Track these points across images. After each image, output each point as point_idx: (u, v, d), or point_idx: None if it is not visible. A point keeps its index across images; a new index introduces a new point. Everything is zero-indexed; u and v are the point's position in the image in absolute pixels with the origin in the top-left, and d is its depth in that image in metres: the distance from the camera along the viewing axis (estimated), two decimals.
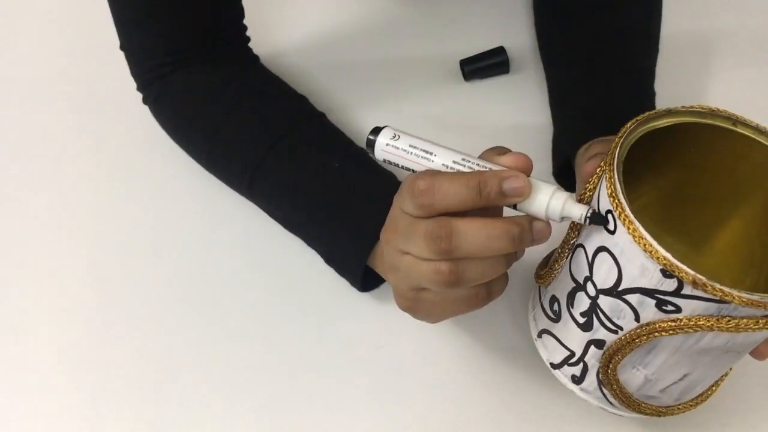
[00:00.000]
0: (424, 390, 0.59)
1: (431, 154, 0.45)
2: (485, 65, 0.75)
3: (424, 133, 0.71)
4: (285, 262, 0.65)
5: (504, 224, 0.41)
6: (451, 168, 0.44)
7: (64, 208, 0.69)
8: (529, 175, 0.43)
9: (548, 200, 0.41)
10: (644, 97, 0.64)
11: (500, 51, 0.75)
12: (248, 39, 0.69)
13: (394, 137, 0.46)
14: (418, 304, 0.48)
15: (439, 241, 0.41)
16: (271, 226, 0.65)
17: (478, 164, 0.43)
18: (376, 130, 0.46)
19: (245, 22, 0.68)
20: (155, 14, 0.62)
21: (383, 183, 0.60)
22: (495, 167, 0.43)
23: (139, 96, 0.67)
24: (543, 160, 0.67)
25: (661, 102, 0.63)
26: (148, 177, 0.70)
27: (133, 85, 0.67)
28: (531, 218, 0.42)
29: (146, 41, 0.64)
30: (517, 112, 0.73)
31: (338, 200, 0.59)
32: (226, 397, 0.59)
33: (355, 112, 0.73)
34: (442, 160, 0.44)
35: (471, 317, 0.59)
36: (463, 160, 0.44)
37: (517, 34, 0.78)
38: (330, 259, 0.62)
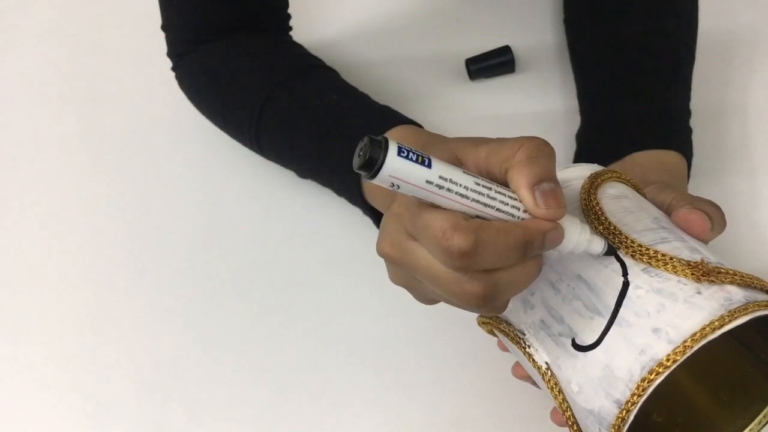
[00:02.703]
0: (426, 389, 0.59)
1: (455, 184, 0.35)
2: (491, 64, 0.74)
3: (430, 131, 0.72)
4: (286, 261, 0.65)
5: (522, 233, 0.37)
6: (472, 199, 0.36)
7: (64, 208, 0.69)
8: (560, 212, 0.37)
9: (577, 238, 0.38)
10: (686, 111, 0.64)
11: (506, 50, 0.74)
12: (289, 28, 0.70)
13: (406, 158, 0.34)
14: (415, 291, 0.42)
15: (458, 255, 0.35)
16: (272, 226, 0.65)
17: (495, 193, 0.36)
18: (377, 145, 0.33)
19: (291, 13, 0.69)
20: None
21: (379, 113, 0.60)
22: (509, 193, 0.36)
23: (140, 96, 0.68)
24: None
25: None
26: (148, 177, 0.70)
27: (135, 85, 0.67)
28: (545, 229, 0.37)
29: (190, 18, 0.65)
30: (523, 111, 0.73)
31: (335, 131, 0.58)
32: (226, 396, 0.59)
33: None
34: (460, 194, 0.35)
35: (473, 315, 0.59)
36: (481, 187, 0.36)
37: (523, 34, 0.77)
38: (339, 193, 0.62)
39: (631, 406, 0.37)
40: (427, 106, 0.73)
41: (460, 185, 0.35)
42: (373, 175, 0.33)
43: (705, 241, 0.44)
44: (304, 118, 0.61)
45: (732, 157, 0.69)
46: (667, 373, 0.36)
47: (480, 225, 0.35)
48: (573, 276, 0.41)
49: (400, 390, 0.59)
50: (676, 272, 0.39)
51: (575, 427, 0.42)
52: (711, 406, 0.47)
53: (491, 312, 0.39)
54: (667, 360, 0.37)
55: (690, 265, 0.39)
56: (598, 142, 0.63)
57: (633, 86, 0.64)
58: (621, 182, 0.47)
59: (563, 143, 0.70)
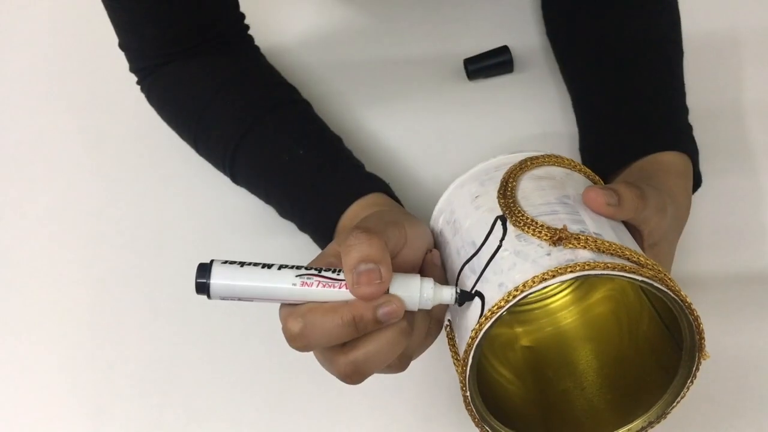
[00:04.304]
0: (427, 389, 0.58)
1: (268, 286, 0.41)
2: (489, 64, 0.74)
3: (429, 132, 0.72)
4: (286, 261, 0.64)
5: (341, 312, 0.40)
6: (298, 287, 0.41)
7: (65, 208, 0.69)
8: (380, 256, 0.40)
9: (419, 295, 0.42)
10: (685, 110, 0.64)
11: (504, 50, 0.74)
12: (247, 27, 0.69)
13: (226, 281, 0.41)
14: None
15: (292, 338, 0.40)
16: (272, 225, 0.65)
17: (323, 279, 0.41)
18: (204, 270, 0.41)
19: (245, 14, 0.68)
20: (150, 15, 0.62)
21: (344, 175, 0.60)
22: (342, 281, 0.41)
23: (139, 94, 0.68)
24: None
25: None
26: (148, 176, 0.70)
27: (133, 83, 0.67)
28: (375, 305, 0.40)
29: (143, 41, 0.64)
30: (521, 111, 0.73)
31: (299, 191, 0.59)
32: (226, 396, 0.59)
33: (358, 111, 0.73)
34: (282, 285, 0.41)
35: None
36: (305, 277, 0.41)
37: (522, 34, 0.77)
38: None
39: (468, 348, 0.41)
40: (426, 106, 0.73)
41: (276, 286, 0.40)
42: (208, 295, 0.40)
43: (612, 217, 0.47)
44: (275, 170, 0.61)
45: (732, 158, 0.69)
46: (494, 319, 0.40)
47: (309, 308, 0.40)
48: (470, 242, 0.46)
49: (400, 390, 0.58)
50: (539, 237, 0.43)
51: (461, 379, 0.46)
52: (616, 393, 0.51)
53: (391, 371, 0.45)
54: (495, 307, 0.40)
55: (550, 230, 0.43)
56: (600, 158, 0.63)
57: (628, 92, 0.64)
58: (557, 166, 0.51)
59: (562, 143, 0.70)
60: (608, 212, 0.46)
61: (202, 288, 0.40)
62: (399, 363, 0.45)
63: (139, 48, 0.65)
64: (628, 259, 0.42)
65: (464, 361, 0.42)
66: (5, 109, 0.75)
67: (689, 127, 0.62)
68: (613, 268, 0.40)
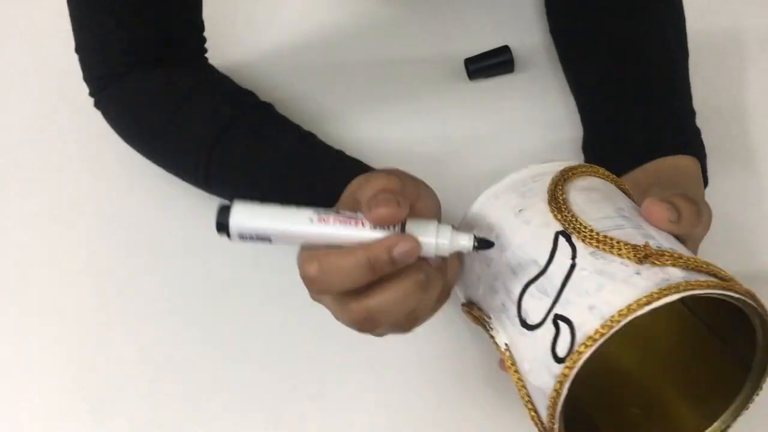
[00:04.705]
0: (427, 389, 0.58)
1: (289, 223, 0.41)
2: (490, 64, 0.74)
3: (429, 132, 0.72)
4: (286, 260, 0.64)
5: (358, 255, 0.40)
6: (316, 224, 0.40)
7: (65, 208, 0.69)
8: (402, 217, 0.40)
9: (435, 241, 0.41)
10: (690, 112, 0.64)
11: (505, 50, 0.74)
12: (205, 50, 0.68)
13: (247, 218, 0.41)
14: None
15: (309, 281, 0.40)
16: None
17: (340, 216, 0.41)
18: (225, 211, 0.42)
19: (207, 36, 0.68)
20: (120, 16, 0.61)
21: (331, 166, 0.60)
22: (360, 218, 0.40)
23: None
24: (546, 159, 0.67)
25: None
26: (149, 176, 0.70)
27: None
28: (390, 244, 0.40)
29: (107, 43, 0.63)
30: (522, 111, 0.73)
31: (289, 185, 0.59)
32: (226, 396, 0.59)
33: (359, 111, 0.73)
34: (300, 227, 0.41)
35: None
36: (322, 212, 0.41)
37: (522, 34, 0.77)
38: None
39: (564, 378, 0.39)
40: (426, 106, 0.73)
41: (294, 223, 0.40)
42: (228, 234, 0.41)
43: (670, 232, 0.45)
44: (260, 163, 0.60)
45: (734, 158, 0.69)
46: (595, 347, 0.38)
47: (325, 252, 0.40)
48: (529, 260, 0.43)
49: (400, 390, 0.58)
50: (620, 255, 0.40)
51: (530, 406, 0.44)
52: (686, 400, 0.49)
53: (395, 331, 0.44)
54: (596, 334, 0.38)
55: (634, 248, 0.40)
56: (608, 159, 0.62)
57: (636, 94, 0.64)
58: (596, 176, 0.49)
59: (563, 143, 0.70)
60: (669, 228, 0.45)
61: (222, 227, 0.41)
62: (407, 321, 0.44)
63: (101, 51, 0.64)
64: (715, 275, 0.41)
65: (557, 392, 0.39)
66: (5, 109, 0.75)
67: (697, 131, 0.62)
68: (714, 287, 0.39)
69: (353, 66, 0.76)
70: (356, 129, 0.71)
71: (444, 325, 0.60)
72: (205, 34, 0.68)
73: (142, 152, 0.67)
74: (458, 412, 0.57)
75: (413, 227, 0.41)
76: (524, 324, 0.41)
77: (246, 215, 0.41)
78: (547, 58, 0.75)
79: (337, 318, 0.42)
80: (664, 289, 0.38)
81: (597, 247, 0.41)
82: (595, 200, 0.46)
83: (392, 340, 0.60)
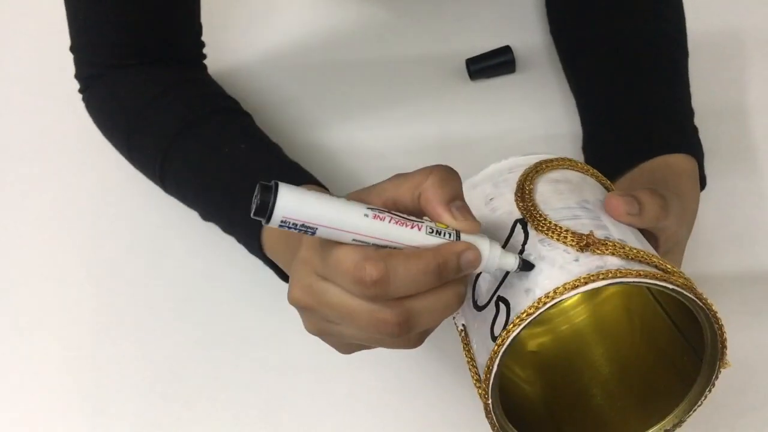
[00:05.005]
0: (427, 389, 0.59)
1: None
2: (491, 64, 0.74)
3: (430, 131, 0.72)
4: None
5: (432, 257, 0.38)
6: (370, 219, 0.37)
7: (65, 208, 0.69)
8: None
9: (488, 255, 0.40)
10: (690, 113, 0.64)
11: (506, 50, 0.74)
12: (203, 55, 0.68)
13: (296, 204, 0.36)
14: (331, 337, 0.43)
15: (371, 284, 0.36)
16: None
17: (396, 216, 0.38)
18: (267, 190, 0.35)
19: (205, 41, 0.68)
20: (116, 18, 0.61)
21: (287, 169, 0.59)
22: (420, 221, 0.38)
23: None
24: None
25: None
26: (148, 178, 0.70)
27: None
28: (459, 250, 0.38)
29: (101, 44, 0.63)
30: (523, 111, 0.73)
31: (239, 183, 0.58)
32: (226, 396, 0.59)
33: (360, 111, 0.73)
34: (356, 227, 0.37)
35: None
36: (377, 210, 0.37)
37: (524, 34, 0.77)
38: (240, 242, 0.61)
39: (494, 354, 0.40)
40: (428, 107, 0.73)
41: (359, 215, 0.36)
42: (268, 219, 0.35)
43: (633, 225, 0.46)
44: (210, 165, 0.60)
45: (734, 158, 0.69)
46: (522, 326, 0.39)
47: (389, 253, 0.37)
48: None
49: (400, 390, 0.59)
50: (565, 242, 0.42)
51: (478, 385, 0.45)
52: (646, 395, 0.50)
53: (408, 344, 0.41)
54: (523, 314, 0.40)
55: (578, 236, 0.42)
56: (606, 158, 0.62)
57: (635, 93, 0.64)
58: (573, 170, 0.50)
59: (565, 143, 0.70)
60: (628, 221, 0.45)
61: (263, 210, 0.35)
62: (418, 336, 0.42)
63: (94, 51, 0.64)
64: (656, 266, 0.42)
65: (488, 368, 0.41)
66: (5, 109, 0.75)
67: (695, 130, 0.63)
68: (645, 276, 0.40)
69: (355, 66, 0.76)
70: (357, 129, 0.71)
71: (444, 325, 0.60)
72: (204, 37, 0.68)
73: (118, 149, 0.67)
74: (458, 412, 0.58)
75: (467, 239, 0.39)
76: (475, 305, 0.43)
77: (295, 200, 0.35)
78: (548, 58, 0.75)
79: (368, 316, 0.38)
80: (593, 275, 0.39)
81: (546, 234, 0.43)
82: (562, 191, 0.47)
83: None
